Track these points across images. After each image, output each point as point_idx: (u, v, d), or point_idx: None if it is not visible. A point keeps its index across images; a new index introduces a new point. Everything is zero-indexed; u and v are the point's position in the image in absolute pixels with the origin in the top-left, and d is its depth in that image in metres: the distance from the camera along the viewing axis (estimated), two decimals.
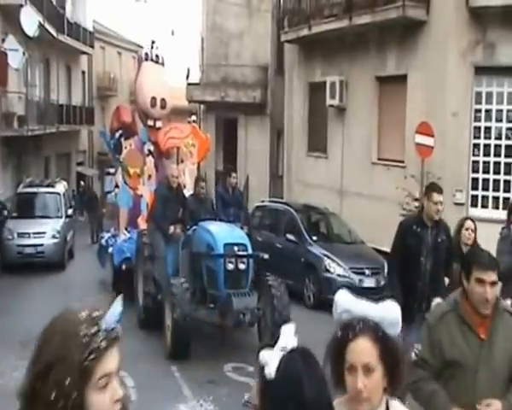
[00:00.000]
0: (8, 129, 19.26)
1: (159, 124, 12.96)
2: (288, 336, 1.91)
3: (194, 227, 9.24)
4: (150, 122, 12.86)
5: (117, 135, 13.11)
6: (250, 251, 8.56)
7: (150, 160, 12.89)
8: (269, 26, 21.28)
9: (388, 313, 2.26)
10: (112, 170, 25.47)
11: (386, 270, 12.09)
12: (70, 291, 13.08)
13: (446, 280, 5.95)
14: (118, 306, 1.65)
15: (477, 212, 12.00)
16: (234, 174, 10.85)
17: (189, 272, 8.95)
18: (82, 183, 23.43)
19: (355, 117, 14.46)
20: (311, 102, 16.47)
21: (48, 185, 17.66)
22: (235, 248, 8.40)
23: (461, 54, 11.77)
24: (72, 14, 27.82)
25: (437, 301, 4.99)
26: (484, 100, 11.86)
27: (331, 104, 14.73)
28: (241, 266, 8.32)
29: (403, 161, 12.99)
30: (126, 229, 12.37)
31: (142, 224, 11.53)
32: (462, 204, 12.03)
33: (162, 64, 13.39)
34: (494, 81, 11.78)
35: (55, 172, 26.31)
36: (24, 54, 18.10)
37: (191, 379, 7.50)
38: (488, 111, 11.85)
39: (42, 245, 15.33)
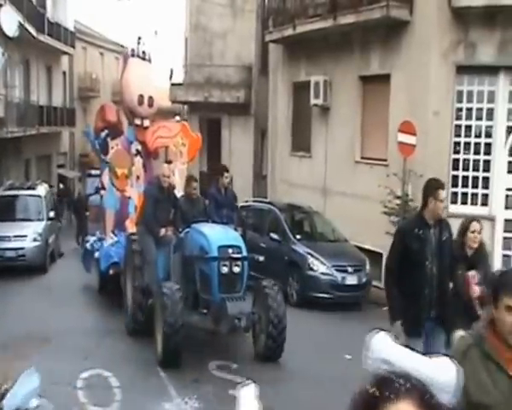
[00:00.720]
0: None
1: (146, 123, 12.60)
2: (248, 402, 1.70)
3: (187, 229, 8.89)
4: (137, 121, 12.48)
5: (103, 135, 12.66)
6: (245, 253, 8.24)
7: (138, 160, 12.50)
8: (253, 26, 21.30)
9: (442, 372, 1.80)
10: (94, 172, 25.32)
11: (367, 267, 12.27)
12: (52, 295, 12.99)
13: (450, 285, 5.69)
14: (26, 383, 1.36)
15: (457, 208, 12.15)
16: (226, 174, 10.37)
17: (181, 277, 8.66)
18: (61, 185, 22.35)
19: (339, 116, 14.52)
20: (295, 101, 16.51)
21: (29, 188, 17.42)
22: (230, 250, 8.09)
23: (443, 53, 11.86)
24: (53, 13, 27.55)
25: (459, 333, 4.54)
26: (465, 99, 11.98)
27: (315, 104, 14.78)
28: (236, 270, 8.03)
29: (386, 160, 13.07)
30: (113, 232, 12.02)
31: (131, 227, 11.16)
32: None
33: (149, 61, 13.01)
34: (475, 80, 11.90)
35: (35, 175, 26.04)
36: (3, 55, 17.90)
37: (176, 378, 7.47)
38: (469, 110, 11.97)
39: (23, 248, 15.11)
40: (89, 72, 35.57)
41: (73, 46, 30.74)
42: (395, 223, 12.06)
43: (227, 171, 10.45)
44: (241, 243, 8.35)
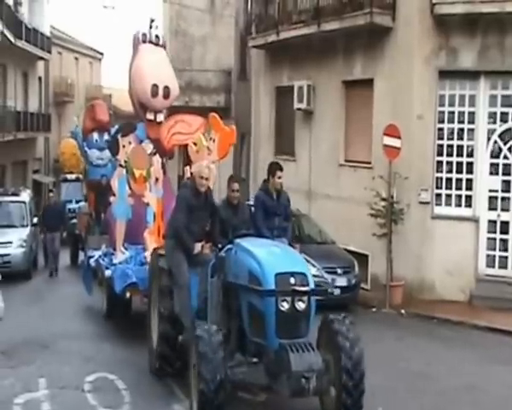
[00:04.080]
0: None
1: (160, 117, 10.86)
2: None
3: (229, 246, 6.84)
4: (150, 115, 10.72)
5: (112, 131, 11.09)
6: (312, 284, 6.22)
7: (157, 160, 10.72)
8: (232, 31, 21.49)
9: None
10: (69, 176, 25.06)
11: (356, 269, 12.50)
12: (42, 301, 13.01)
13: None
14: None
15: (441, 210, 12.49)
16: (280, 173, 8.08)
17: (221, 309, 6.78)
18: (51, 194, 18.82)
19: (322, 120, 14.76)
20: (278, 106, 16.72)
21: (12, 194, 17.36)
22: (292, 280, 6.04)
23: (425, 59, 12.19)
24: (30, 19, 27.39)
25: None
26: (447, 102, 12.31)
27: (299, 108, 14.99)
28: (301, 306, 6.03)
29: (370, 163, 13.34)
30: (123, 245, 10.40)
31: (150, 239, 9.73)
32: (427, 203, 12.46)
33: (163, 46, 11.38)
34: (457, 84, 12.25)
35: (10, 181, 25.84)
36: None
37: (181, 380, 7.54)
38: (451, 113, 12.30)
39: (8, 255, 15.08)
40: (64, 77, 35.43)
41: (50, 51, 30.59)
42: (381, 225, 12.38)
43: (281, 169, 8.13)
44: (306, 268, 6.36)
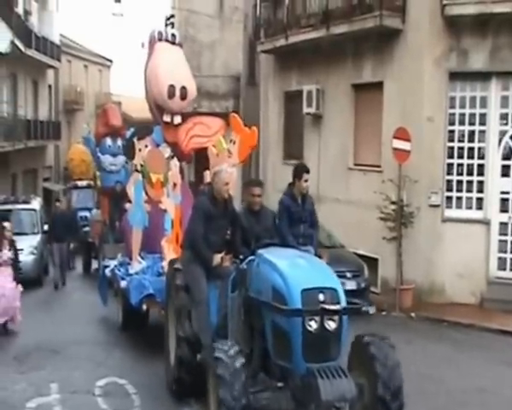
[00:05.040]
0: None
1: (177, 119, 10.36)
2: None
3: (251, 257, 6.27)
4: (166, 118, 10.24)
5: (128, 134, 10.57)
6: (344, 302, 5.53)
7: (175, 163, 10.14)
8: (240, 36, 21.54)
9: None
10: (80, 183, 25.04)
11: (366, 273, 12.43)
12: (52, 308, 13.04)
13: None
14: None
15: (452, 213, 12.40)
16: (307, 176, 7.42)
17: (243, 327, 6.22)
18: (58, 203, 17.78)
19: (331, 124, 14.73)
20: (286, 110, 16.70)
21: (23, 202, 17.44)
22: (321, 296, 5.40)
23: (435, 60, 12.12)
24: (40, 27, 27.61)
25: None
26: (458, 104, 12.23)
27: (308, 112, 14.96)
28: (331, 326, 5.39)
29: (379, 166, 13.28)
30: (140, 255, 9.95)
31: (168, 248, 9.23)
32: (437, 206, 12.37)
33: (180, 45, 10.90)
34: (468, 86, 12.17)
35: (22, 189, 26.01)
36: None
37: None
38: (462, 115, 12.22)
39: (20, 262, 15.09)
40: (74, 84, 35.67)
41: (59, 60, 30.80)
42: (391, 228, 12.30)
43: (307, 171, 7.48)
44: (336, 283, 5.64)
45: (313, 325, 5.34)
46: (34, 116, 28.00)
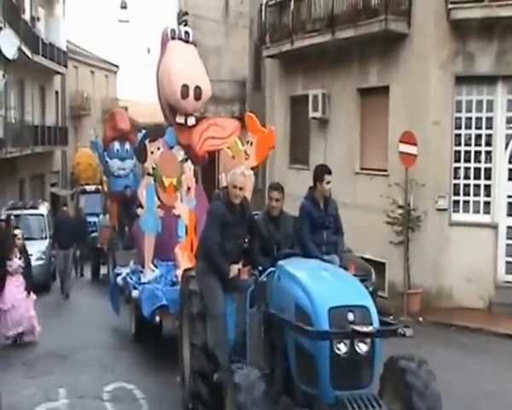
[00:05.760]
0: None
1: (191, 121, 9.98)
2: None
3: (271, 269, 5.76)
4: (180, 119, 9.88)
5: (139, 136, 10.19)
6: (376, 321, 4.96)
7: (189, 166, 9.65)
8: (246, 41, 21.60)
9: None
10: (88, 188, 25.02)
11: (373, 277, 12.42)
12: (61, 313, 13.10)
13: None
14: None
15: (459, 217, 12.35)
16: (329, 177, 6.83)
17: (263, 346, 5.69)
18: (65, 208, 17.30)
19: (338, 128, 14.73)
20: (292, 115, 16.72)
21: (31, 207, 17.54)
22: (350, 316, 4.84)
23: (441, 64, 12.11)
24: (47, 34, 27.79)
25: None
26: (464, 108, 12.21)
27: (314, 117, 14.98)
28: (362, 349, 4.84)
29: (386, 170, 13.27)
30: (152, 262, 9.45)
31: (182, 255, 8.75)
32: (444, 210, 12.34)
33: (194, 44, 10.53)
34: (474, 90, 12.15)
35: (29, 194, 26.11)
36: (4, 76, 18.03)
37: None
38: (468, 119, 12.20)
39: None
40: (80, 90, 35.83)
41: (66, 66, 30.96)
42: (398, 232, 12.28)
43: (329, 172, 6.90)
44: (368, 300, 5.06)
45: (342, 349, 4.78)
46: (41, 122, 28.16)
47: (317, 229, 6.77)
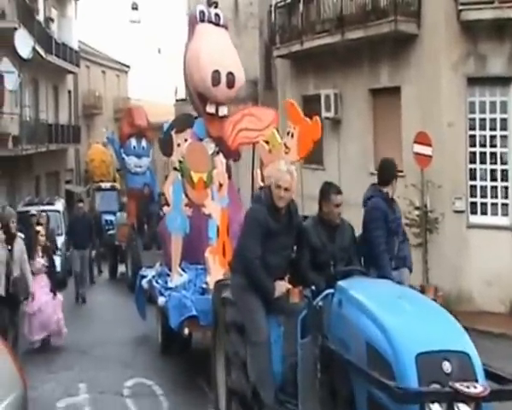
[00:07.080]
0: (4, 149, 19.40)
1: (223, 111, 9.12)
2: None
3: (329, 290, 4.70)
4: (210, 109, 8.99)
5: (165, 126, 9.10)
6: (481, 375, 3.77)
7: (221, 160, 8.75)
8: (256, 42, 21.68)
9: None
10: (104, 185, 25.04)
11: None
12: (78, 309, 13.26)
13: None
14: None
15: (477, 219, 12.15)
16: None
17: (320, 388, 4.47)
18: (80, 204, 15.47)
19: (350, 129, 14.74)
20: (304, 114, 16.55)
21: (48, 203, 17.71)
22: (446, 365, 3.66)
23: (453, 65, 12.09)
24: (59, 34, 28.07)
25: None
26: (477, 109, 12.13)
27: (327, 117, 14.96)
28: None
29: (401, 171, 13.16)
30: (180, 266, 8.52)
31: (213, 259, 7.82)
32: (462, 212, 12.15)
33: (225, 27, 9.63)
34: (486, 91, 12.09)
35: (45, 191, 26.43)
36: (19, 76, 18.28)
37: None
38: (482, 120, 12.10)
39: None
40: (92, 90, 36.14)
41: (78, 65, 31.23)
42: (416, 234, 12.14)
43: (399, 171, 5.69)
44: (468, 344, 3.91)
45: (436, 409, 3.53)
46: (55, 120, 28.48)
47: (389, 237, 5.64)
